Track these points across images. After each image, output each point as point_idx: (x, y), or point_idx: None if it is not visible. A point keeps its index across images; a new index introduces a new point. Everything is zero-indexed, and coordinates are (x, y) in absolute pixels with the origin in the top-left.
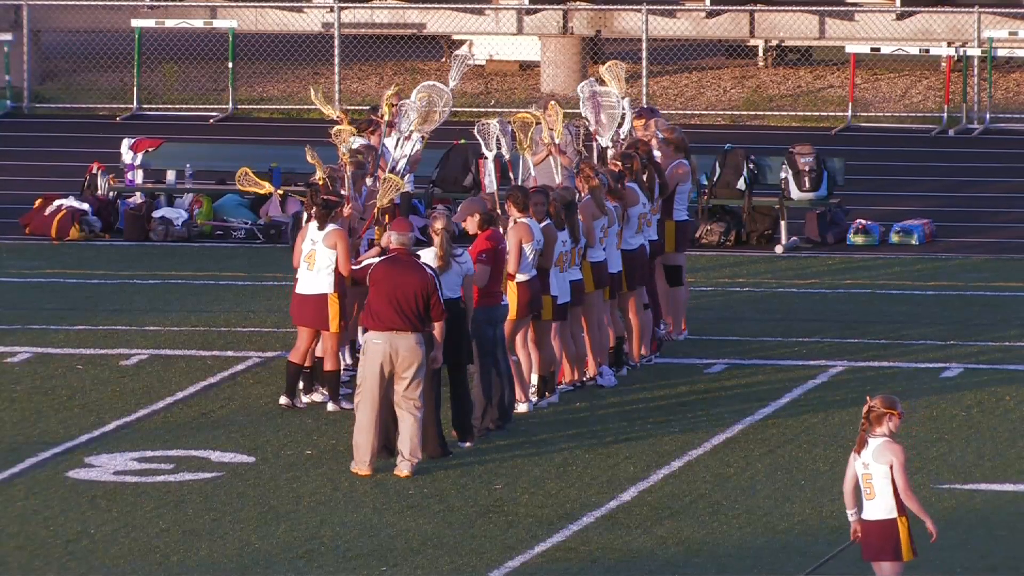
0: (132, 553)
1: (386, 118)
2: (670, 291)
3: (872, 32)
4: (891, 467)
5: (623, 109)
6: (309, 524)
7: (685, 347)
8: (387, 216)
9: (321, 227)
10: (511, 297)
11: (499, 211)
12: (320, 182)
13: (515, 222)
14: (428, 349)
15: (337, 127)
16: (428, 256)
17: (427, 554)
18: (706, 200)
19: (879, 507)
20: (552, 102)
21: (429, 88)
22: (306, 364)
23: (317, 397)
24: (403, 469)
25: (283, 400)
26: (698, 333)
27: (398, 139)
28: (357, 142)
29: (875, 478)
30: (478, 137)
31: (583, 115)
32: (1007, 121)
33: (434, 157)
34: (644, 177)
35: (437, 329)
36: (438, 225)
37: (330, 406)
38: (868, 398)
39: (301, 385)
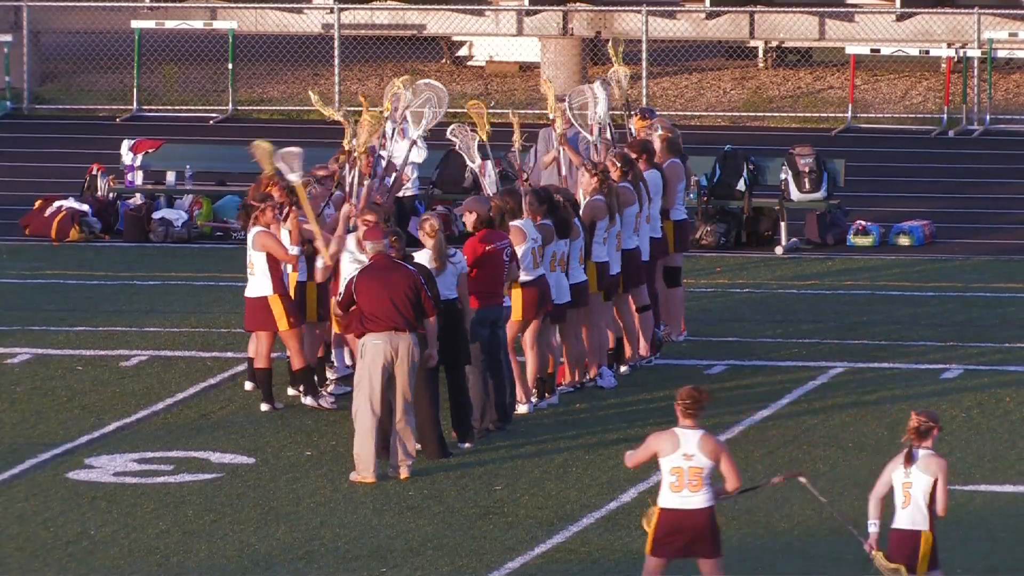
0: (132, 554)
1: (386, 114)
2: (667, 292)
3: (872, 33)
4: (935, 480)
5: (594, 94)
6: (309, 525)
7: (685, 348)
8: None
9: (245, 231)
10: (514, 298)
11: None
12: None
13: (510, 226)
14: (423, 349)
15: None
16: (423, 258)
17: (427, 555)
18: (706, 201)
19: (913, 517)
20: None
21: (426, 87)
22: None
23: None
24: (403, 471)
25: (264, 407)
26: (698, 334)
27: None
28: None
29: (914, 487)
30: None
31: (570, 115)
32: (1007, 122)
33: (434, 158)
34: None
35: (431, 326)
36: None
37: (308, 401)
38: (914, 414)
39: (302, 386)
